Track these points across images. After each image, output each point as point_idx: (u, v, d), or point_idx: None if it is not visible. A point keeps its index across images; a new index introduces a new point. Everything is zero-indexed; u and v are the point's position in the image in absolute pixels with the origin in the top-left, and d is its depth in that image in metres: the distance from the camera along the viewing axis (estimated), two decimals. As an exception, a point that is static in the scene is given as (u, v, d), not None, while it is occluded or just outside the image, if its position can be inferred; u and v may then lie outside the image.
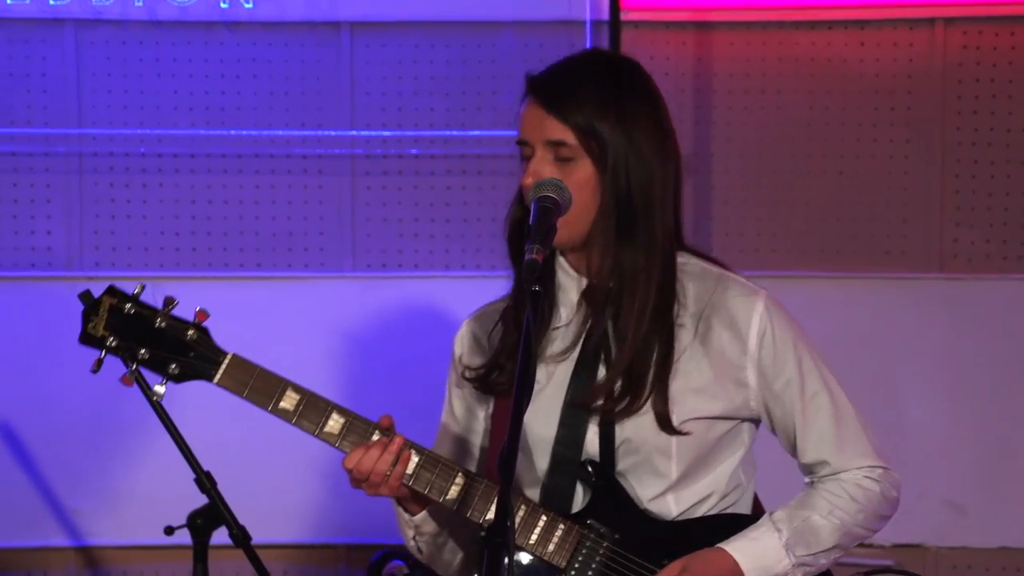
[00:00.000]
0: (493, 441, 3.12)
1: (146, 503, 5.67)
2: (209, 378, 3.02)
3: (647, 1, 5.81)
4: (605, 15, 5.73)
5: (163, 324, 3.01)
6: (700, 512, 3.06)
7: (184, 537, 4.25)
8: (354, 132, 5.91)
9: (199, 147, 5.90)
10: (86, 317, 3.02)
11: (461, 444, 3.20)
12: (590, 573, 3.00)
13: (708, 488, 3.07)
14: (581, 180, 2.97)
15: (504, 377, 3.07)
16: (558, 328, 3.07)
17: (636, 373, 2.98)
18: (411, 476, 2.98)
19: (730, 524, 3.07)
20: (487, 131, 5.86)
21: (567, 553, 2.99)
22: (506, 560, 2.54)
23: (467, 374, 3.14)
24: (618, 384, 2.99)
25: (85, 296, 3.86)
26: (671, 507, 3.05)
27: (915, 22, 5.84)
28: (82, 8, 5.79)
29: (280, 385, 3.02)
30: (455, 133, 5.91)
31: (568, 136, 2.97)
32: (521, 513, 2.98)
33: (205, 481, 4.21)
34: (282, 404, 3.01)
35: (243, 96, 5.90)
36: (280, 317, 5.84)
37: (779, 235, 5.91)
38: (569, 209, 2.93)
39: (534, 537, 2.99)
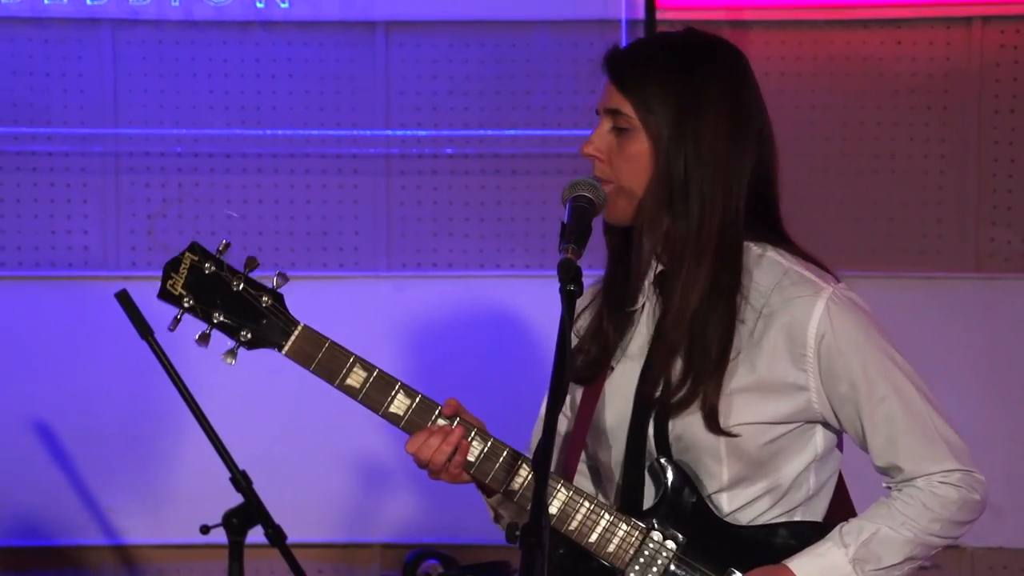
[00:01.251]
0: (574, 430, 3.06)
1: (181, 502, 5.69)
2: (279, 347, 2.99)
3: (682, 0, 5.81)
4: (641, 14, 5.72)
5: (240, 287, 2.98)
6: (753, 512, 2.99)
7: (219, 536, 4.27)
8: (389, 132, 5.92)
9: (234, 147, 5.92)
10: (166, 274, 2.98)
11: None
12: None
13: (763, 490, 2.98)
14: (633, 153, 2.94)
15: (584, 363, 3.02)
16: (633, 311, 3.02)
17: (693, 363, 2.92)
18: (472, 464, 2.94)
19: (798, 533, 2.98)
20: (521, 130, 5.86)
21: (628, 555, 2.94)
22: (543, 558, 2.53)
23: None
24: (675, 371, 2.93)
25: (122, 296, 3.88)
26: (724, 505, 2.97)
27: (951, 21, 5.82)
28: (119, 8, 5.81)
29: (348, 360, 3.00)
30: (490, 132, 5.91)
31: (625, 107, 2.94)
32: (583, 511, 2.93)
33: (240, 480, 4.23)
34: (348, 381, 3.00)
35: (278, 96, 5.92)
36: (314, 317, 5.82)
37: (814, 235, 5.84)
38: (606, 203, 2.91)
39: (594, 536, 2.94)
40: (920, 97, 5.85)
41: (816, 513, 3.04)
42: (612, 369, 3.01)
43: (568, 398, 3.11)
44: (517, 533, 2.86)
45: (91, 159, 5.90)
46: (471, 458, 2.95)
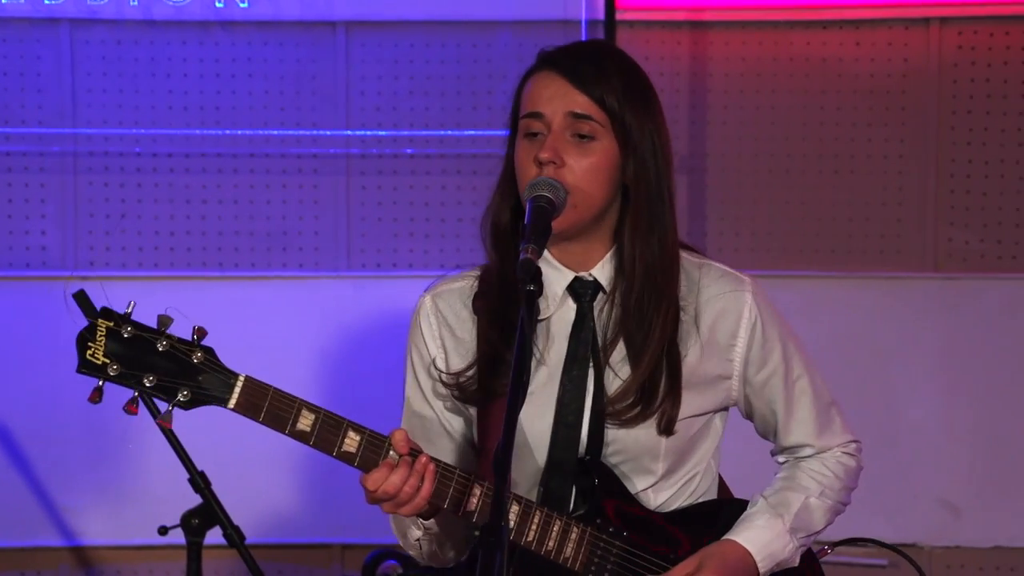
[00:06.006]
0: (483, 453, 3.06)
1: (140, 502, 5.66)
2: (223, 403, 2.82)
3: (642, 1, 5.81)
4: (601, 15, 5.73)
5: (166, 347, 2.80)
6: (677, 503, 3.06)
7: (178, 537, 4.25)
8: (349, 132, 5.91)
9: (194, 147, 5.90)
10: (83, 343, 2.79)
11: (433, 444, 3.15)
12: (607, 574, 2.99)
13: (684, 479, 3.07)
14: (600, 161, 2.94)
15: (498, 380, 2.99)
16: (541, 321, 3.02)
17: (650, 380, 2.97)
18: (432, 490, 2.89)
19: (721, 510, 3.09)
20: (482, 131, 5.86)
21: (584, 556, 2.97)
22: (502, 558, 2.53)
23: (445, 378, 3.07)
24: (634, 391, 2.97)
25: (79, 296, 3.84)
26: (650, 501, 3.04)
27: (910, 22, 5.84)
28: (77, 7, 5.78)
29: (295, 405, 2.84)
30: (450, 133, 5.91)
31: (595, 111, 2.93)
32: (537, 520, 2.93)
33: (199, 480, 4.21)
34: (299, 426, 2.84)
35: (238, 96, 5.90)
36: (275, 317, 5.83)
37: (774, 235, 5.92)
38: (565, 205, 2.90)
39: (552, 542, 2.95)
40: (879, 97, 5.87)
41: (715, 491, 3.14)
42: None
43: (445, 421, 3.12)
44: (477, 533, 2.86)
45: (49, 159, 5.87)
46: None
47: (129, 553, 5.84)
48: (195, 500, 4.24)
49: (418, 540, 3.09)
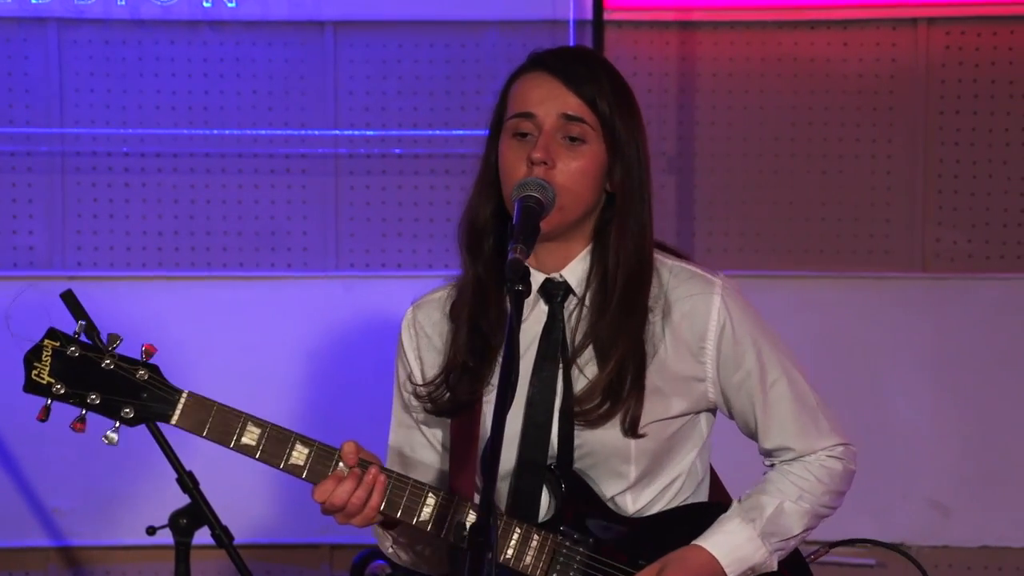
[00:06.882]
0: (454, 462, 3.05)
1: (128, 502, 5.66)
2: (166, 420, 2.88)
3: (631, 1, 5.82)
4: (589, 15, 5.73)
5: (111, 365, 2.87)
6: (658, 507, 3.05)
7: (166, 537, 4.24)
8: (337, 132, 5.90)
9: (182, 147, 5.89)
10: (28, 364, 2.89)
11: (411, 465, 3.16)
12: None
13: (664, 483, 3.05)
14: (588, 164, 2.95)
15: (465, 386, 3.00)
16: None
17: (617, 379, 2.96)
18: (381, 501, 2.91)
19: (697, 515, 3.06)
20: (471, 131, 5.86)
21: (544, 564, 2.95)
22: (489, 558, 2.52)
23: (418, 390, 3.07)
24: (601, 384, 2.96)
25: (67, 296, 3.84)
26: (628, 505, 3.03)
27: (898, 22, 5.85)
28: (64, 7, 5.77)
29: (239, 420, 2.89)
30: (439, 133, 5.90)
31: (587, 114, 2.95)
32: (497, 528, 2.90)
33: (187, 481, 4.20)
34: (244, 440, 2.89)
35: (226, 96, 5.89)
36: (264, 317, 5.83)
37: (763, 235, 5.92)
38: (554, 206, 2.90)
39: (511, 551, 2.94)
40: (867, 98, 5.87)
41: (704, 494, 3.12)
42: (492, 385, 3.00)
43: (427, 432, 3.12)
44: (464, 534, 2.86)
45: (37, 159, 5.86)
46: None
47: (117, 553, 5.83)
48: (183, 500, 4.23)
49: (392, 550, 3.10)
